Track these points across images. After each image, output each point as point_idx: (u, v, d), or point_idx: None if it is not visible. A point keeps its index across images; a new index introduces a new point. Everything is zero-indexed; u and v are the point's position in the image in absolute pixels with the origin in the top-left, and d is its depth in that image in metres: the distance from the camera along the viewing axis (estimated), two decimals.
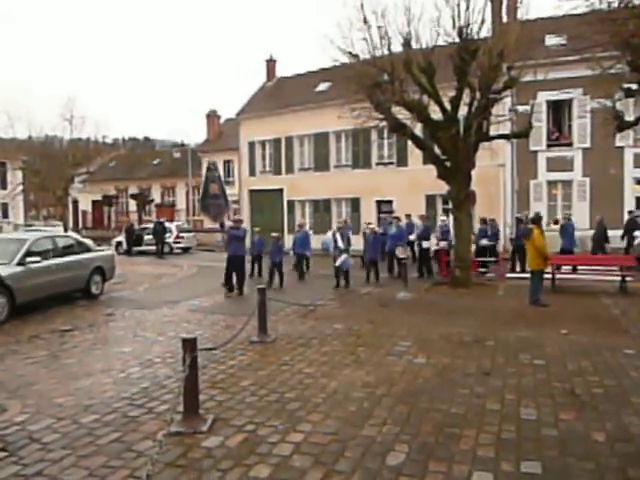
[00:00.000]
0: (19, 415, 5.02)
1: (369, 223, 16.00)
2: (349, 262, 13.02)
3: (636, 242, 15.15)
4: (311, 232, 19.36)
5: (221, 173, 15.82)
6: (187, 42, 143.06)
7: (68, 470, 3.96)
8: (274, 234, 14.56)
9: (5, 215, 36.92)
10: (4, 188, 36.64)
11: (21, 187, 35.89)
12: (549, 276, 12.25)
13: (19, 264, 9.86)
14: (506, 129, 15.90)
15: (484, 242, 15.56)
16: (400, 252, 13.71)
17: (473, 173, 13.40)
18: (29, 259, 10.03)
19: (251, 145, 29.56)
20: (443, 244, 15.43)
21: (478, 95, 12.75)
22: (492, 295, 11.92)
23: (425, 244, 15.18)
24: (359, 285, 13.36)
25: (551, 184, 21.24)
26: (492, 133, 13.72)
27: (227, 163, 35.81)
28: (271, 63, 32.59)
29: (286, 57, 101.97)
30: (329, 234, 14.09)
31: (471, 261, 13.83)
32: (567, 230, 15.43)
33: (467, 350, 7.14)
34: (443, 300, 11.30)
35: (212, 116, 39.47)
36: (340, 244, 13.22)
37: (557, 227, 16.13)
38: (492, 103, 12.95)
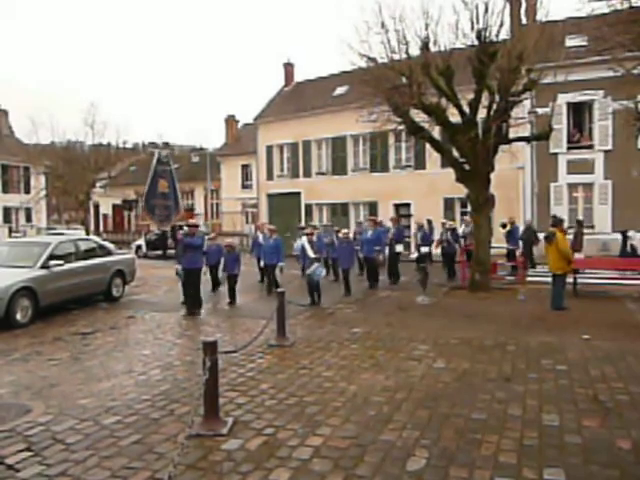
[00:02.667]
0: (43, 416, 5.09)
1: (340, 229, 14.75)
2: (321, 272, 11.34)
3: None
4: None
5: (173, 167, 12.21)
6: (206, 47, 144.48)
7: (91, 471, 4.00)
8: (228, 240, 12.95)
9: (29, 219, 37.63)
10: (27, 192, 37.35)
11: (44, 191, 36.56)
12: (570, 280, 12.11)
13: (42, 267, 10.03)
14: (526, 131, 15.76)
15: (424, 249, 15.30)
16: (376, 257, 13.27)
17: (492, 176, 13.29)
18: (52, 262, 10.20)
19: (269, 149, 29.71)
20: (425, 249, 15.28)
21: (497, 98, 12.65)
22: (512, 299, 11.80)
23: (398, 248, 14.71)
24: (336, 300, 11.67)
25: (572, 187, 20.99)
26: (511, 136, 13.61)
27: (245, 167, 36.08)
28: (289, 67, 32.77)
29: (304, 61, 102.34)
30: (301, 240, 12.29)
31: (490, 265, 13.69)
32: (514, 234, 15.92)
33: (487, 355, 7.08)
34: (462, 304, 11.22)
35: (230, 120, 39.83)
36: (310, 253, 11.52)
37: (504, 231, 16.10)
38: (511, 106, 12.84)
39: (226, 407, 5.17)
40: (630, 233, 16.67)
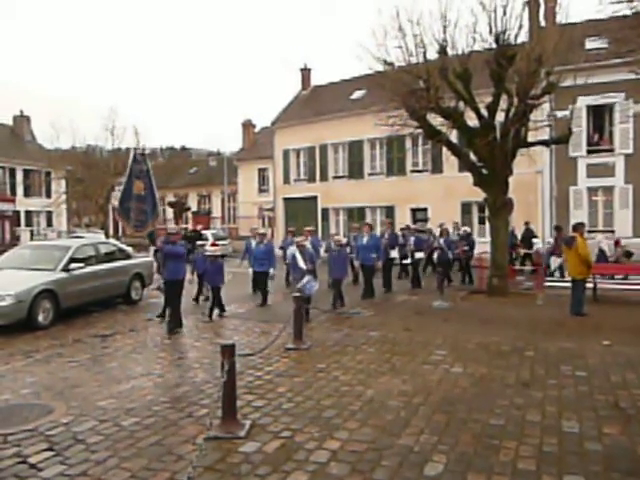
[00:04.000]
0: (64, 416, 5.17)
1: (334, 234, 13.49)
2: (312, 287, 9.83)
3: None
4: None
5: (149, 165, 10.58)
6: (224, 53, 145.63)
7: (111, 471, 4.06)
8: (210, 248, 11.56)
9: (50, 223, 38.25)
10: (49, 197, 37.99)
11: (64, 196, 37.17)
12: (590, 285, 11.96)
13: (63, 270, 10.19)
14: (545, 135, 15.60)
15: (419, 255, 14.70)
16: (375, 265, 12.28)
17: (510, 180, 13.19)
18: (73, 265, 10.36)
19: (286, 153, 29.83)
20: (419, 255, 14.77)
21: (516, 101, 12.56)
22: (530, 304, 11.67)
23: (392, 254, 14.01)
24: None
25: (591, 191, 20.71)
26: (530, 139, 13.48)
27: (262, 171, 36.27)
28: (306, 72, 32.89)
29: (321, 66, 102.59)
30: (291, 248, 10.79)
31: (508, 269, 13.57)
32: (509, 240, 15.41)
33: (505, 360, 7.02)
34: (480, 309, 11.14)
35: (247, 125, 40.12)
36: (301, 264, 9.98)
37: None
38: (530, 109, 12.73)
39: (243, 410, 5.20)
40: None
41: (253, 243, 12.60)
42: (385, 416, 5.06)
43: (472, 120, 13.05)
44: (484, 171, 13.13)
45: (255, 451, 4.35)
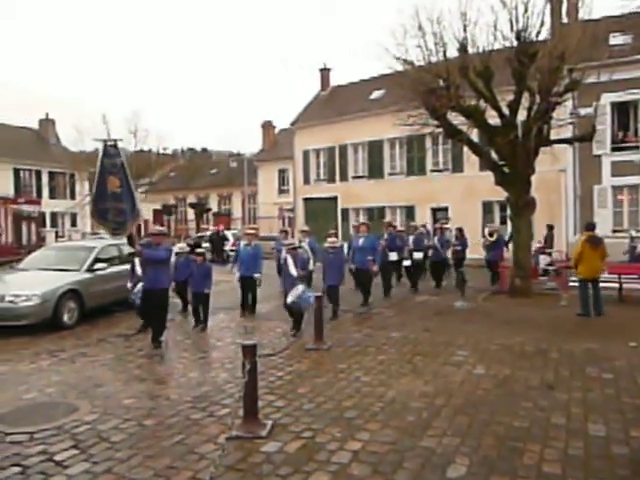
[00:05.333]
0: (89, 415, 5.25)
1: (330, 234, 12.04)
2: (308, 298, 8.41)
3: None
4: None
5: (124, 159, 9.13)
6: (244, 54, 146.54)
7: (135, 469, 4.11)
8: (198, 250, 10.36)
9: (74, 224, 38.90)
10: (73, 198, 38.66)
11: (88, 197, 37.73)
12: (616, 285, 11.74)
13: (88, 270, 10.35)
14: (568, 133, 15.37)
15: (418, 255, 13.74)
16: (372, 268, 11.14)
17: (533, 179, 13.01)
18: (97, 266, 10.52)
19: (305, 154, 29.88)
20: (418, 256, 13.95)
21: (538, 99, 12.39)
22: (554, 305, 11.49)
23: (392, 256, 13.00)
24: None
25: (616, 189, 20.31)
26: (553, 137, 13.29)
27: (282, 172, 36.39)
28: (325, 72, 32.91)
29: (340, 66, 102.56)
30: (284, 252, 9.44)
31: (531, 270, 13.39)
32: (500, 243, 15.01)
33: (529, 362, 6.93)
34: (502, 310, 11.01)
35: (267, 126, 40.32)
36: (292, 271, 8.74)
37: (492, 239, 14.96)
38: (553, 106, 12.54)
39: (265, 410, 5.22)
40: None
41: (241, 244, 11.43)
42: (407, 417, 5.03)
43: (493, 118, 12.90)
44: (506, 170, 12.98)
45: (276, 451, 4.36)
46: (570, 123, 15.34)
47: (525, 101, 12.58)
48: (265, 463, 4.16)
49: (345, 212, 27.86)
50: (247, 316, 10.59)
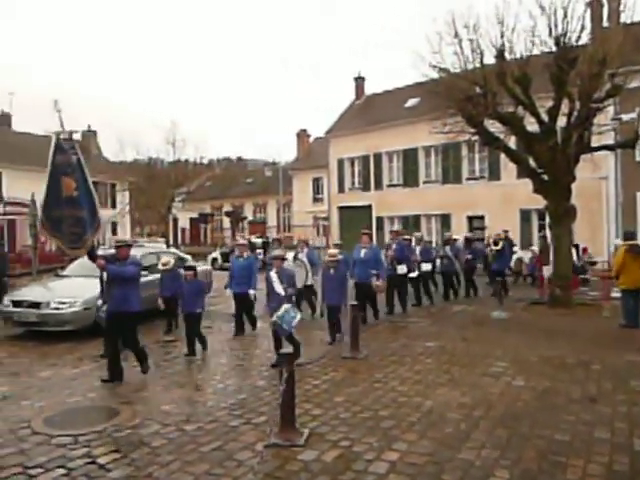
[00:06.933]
0: (130, 419, 5.38)
1: (336, 244, 10.83)
2: (292, 320, 7.10)
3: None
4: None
5: (81, 155, 7.01)
6: (280, 63, 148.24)
7: (175, 474, 4.18)
8: (189, 265, 9.40)
9: (114, 232, 39.94)
10: (114, 207, 39.74)
11: (128, 206, 38.77)
12: None
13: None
14: (609, 139, 14.98)
15: (403, 270, 11.63)
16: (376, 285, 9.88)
17: (573, 186, 12.72)
18: None
19: (340, 162, 29.98)
20: (427, 267, 13.05)
21: (578, 105, 12.14)
22: (596, 316, 11.18)
23: (400, 269, 11.52)
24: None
25: None
26: (594, 144, 12.98)
27: (316, 180, 36.57)
28: (360, 81, 33.03)
29: (375, 75, 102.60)
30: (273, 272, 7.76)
31: (572, 279, 13.05)
32: (505, 252, 14.63)
33: (570, 374, 6.76)
34: (542, 320, 10.76)
35: (302, 135, 40.67)
36: (278, 288, 7.43)
37: (497, 248, 14.56)
38: (594, 113, 12.26)
39: (301, 418, 5.24)
40: None
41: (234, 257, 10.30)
42: (444, 428, 4.98)
43: (531, 125, 12.70)
44: (545, 177, 12.73)
45: (314, 460, 4.38)
46: (612, 129, 14.97)
47: (565, 107, 12.35)
48: (302, 471, 4.18)
49: (380, 220, 27.78)
50: (241, 336, 9.60)
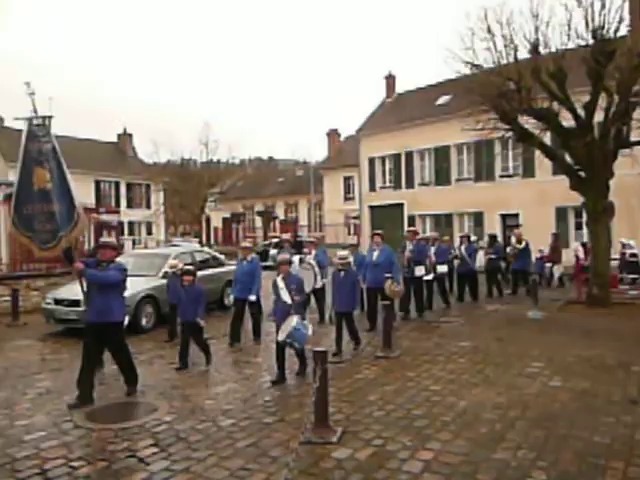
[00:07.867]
0: (167, 415, 5.50)
1: (345, 248, 10.29)
2: (303, 335, 6.53)
3: None
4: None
5: (56, 145, 6.21)
6: (310, 63, 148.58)
7: (211, 469, 4.26)
8: (187, 269, 8.16)
9: (149, 232, 40.82)
10: (148, 208, 40.63)
11: (162, 206, 39.55)
12: None
13: (163, 277, 10.82)
14: None
15: (421, 272, 11.03)
16: (389, 288, 9.09)
17: (611, 183, 12.40)
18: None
19: (371, 161, 29.86)
20: (442, 269, 12.42)
21: (616, 99, 11.80)
22: (636, 315, 10.87)
23: (418, 271, 10.96)
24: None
25: None
26: (633, 138, 12.62)
27: (347, 179, 36.57)
28: (390, 79, 32.82)
29: (405, 73, 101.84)
30: (294, 265, 7.98)
31: (611, 278, 12.72)
32: (528, 251, 14.17)
33: (609, 375, 6.60)
34: (579, 320, 10.53)
35: (332, 134, 40.74)
36: (285, 297, 6.89)
37: (520, 246, 14.08)
38: (633, 106, 11.92)
39: (335, 416, 5.26)
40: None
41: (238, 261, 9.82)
42: (479, 429, 4.93)
43: (567, 121, 12.42)
44: (582, 174, 12.44)
45: (347, 457, 4.40)
46: None
47: (602, 101, 12.04)
48: (336, 469, 4.20)
49: (412, 219, 27.55)
50: (237, 345, 8.91)
